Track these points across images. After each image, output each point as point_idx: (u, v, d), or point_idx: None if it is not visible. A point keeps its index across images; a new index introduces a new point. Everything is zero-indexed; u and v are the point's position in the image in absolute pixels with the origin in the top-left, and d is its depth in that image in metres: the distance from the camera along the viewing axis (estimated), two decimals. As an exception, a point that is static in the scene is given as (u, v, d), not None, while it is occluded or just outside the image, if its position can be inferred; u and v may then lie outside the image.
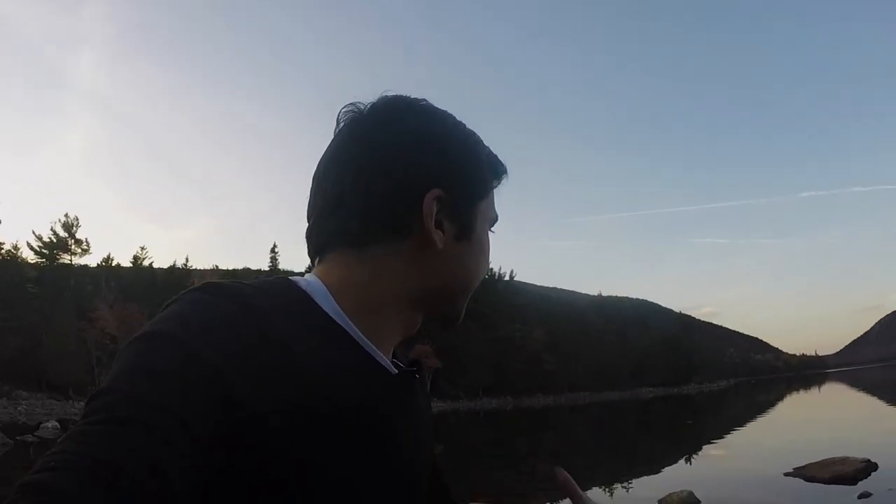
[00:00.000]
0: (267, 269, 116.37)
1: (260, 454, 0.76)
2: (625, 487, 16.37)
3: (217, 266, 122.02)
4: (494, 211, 1.10)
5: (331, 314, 0.93)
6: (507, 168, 1.12)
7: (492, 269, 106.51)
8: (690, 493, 12.33)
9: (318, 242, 1.03)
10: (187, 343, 0.77)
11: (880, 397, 47.80)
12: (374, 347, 0.95)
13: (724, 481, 15.62)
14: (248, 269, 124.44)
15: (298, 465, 0.79)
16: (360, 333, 0.94)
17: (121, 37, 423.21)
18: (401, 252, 0.98)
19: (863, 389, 65.40)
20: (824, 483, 13.58)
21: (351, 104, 1.03)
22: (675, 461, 20.92)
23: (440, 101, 1.06)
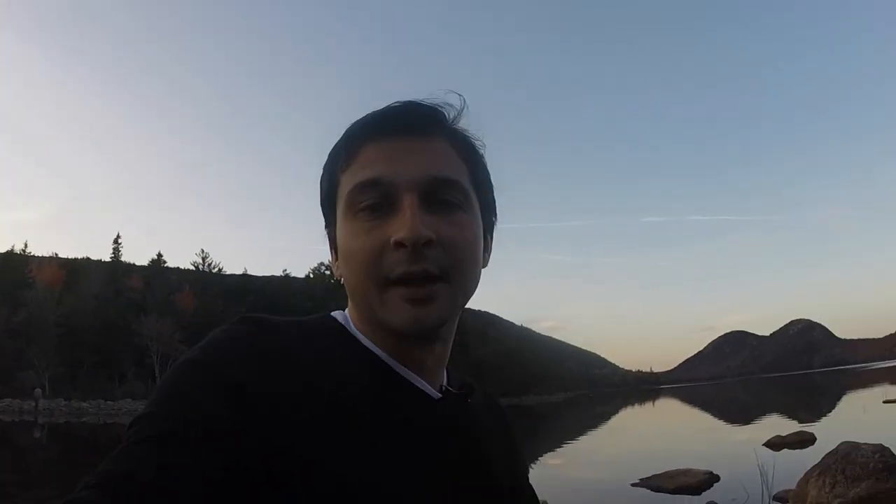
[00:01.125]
0: (108, 260, 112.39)
1: (292, 479, 0.78)
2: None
3: (57, 254, 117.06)
4: (354, 184, 0.96)
5: (363, 342, 0.97)
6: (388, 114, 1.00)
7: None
8: (545, 502, 12.32)
9: None
10: (218, 367, 0.81)
11: (712, 412, 49.79)
12: (408, 370, 0.96)
13: (573, 490, 15.73)
14: (89, 259, 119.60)
15: (329, 487, 0.80)
16: (394, 360, 0.96)
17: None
18: None
19: (695, 404, 68.01)
20: (670, 493, 13.87)
21: None
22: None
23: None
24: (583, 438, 32.95)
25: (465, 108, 1.05)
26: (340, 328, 0.98)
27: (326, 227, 1.04)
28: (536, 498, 1.22)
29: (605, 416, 55.74)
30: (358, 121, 1.01)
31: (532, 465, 21.50)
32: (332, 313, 1.02)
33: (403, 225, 0.90)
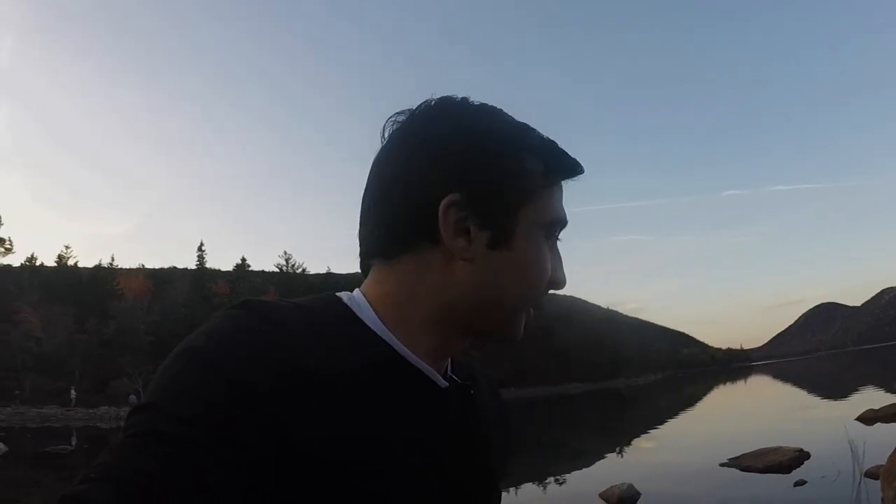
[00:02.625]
0: (194, 268, 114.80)
1: (295, 472, 0.76)
2: (559, 483, 16.45)
3: (143, 265, 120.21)
4: (555, 214, 0.98)
5: (372, 328, 0.92)
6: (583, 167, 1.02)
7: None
8: (630, 486, 12.39)
9: (361, 256, 1.00)
10: (221, 360, 0.77)
11: (804, 388, 48.93)
12: (418, 359, 0.93)
13: (662, 474, 15.77)
14: (175, 269, 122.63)
15: (336, 481, 0.79)
16: (402, 346, 0.92)
17: (43, 22, 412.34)
18: (430, 263, 0.93)
19: (787, 381, 66.85)
20: (760, 472, 13.79)
21: (398, 113, 0.99)
22: (609, 455, 21.06)
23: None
24: (672, 421, 32.72)
25: None
26: (348, 314, 0.93)
27: (482, 200, 0.92)
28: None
29: (694, 398, 55.08)
30: (549, 145, 0.98)
31: (621, 450, 21.53)
32: (338, 294, 0.98)
33: (564, 275, 1.01)
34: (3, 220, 75.73)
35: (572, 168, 1.00)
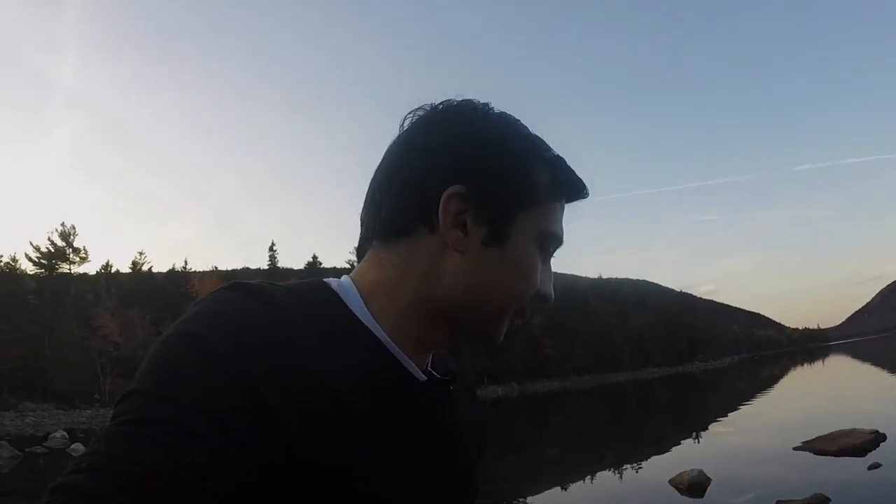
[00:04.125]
0: (266, 268, 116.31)
1: (279, 454, 0.75)
2: (634, 469, 16.43)
3: (216, 267, 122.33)
4: (552, 228, 0.99)
5: (358, 315, 0.92)
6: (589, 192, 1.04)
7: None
8: (700, 472, 12.35)
9: (360, 239, 1.01)
10: (212, 343, 0.76)
11: (884, 367, 47.87)
12: (401, 351, 0.93)
13: (733, 458, 15.68)
14: (248, 270, 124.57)
15: (311, 466, 0.78)
16: (386, 336, 0.92)
17: (103, 36, 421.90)
18: (424, 250, 0.93)
19: (866, 360, 65.55)
20: (833, 456, 13.64)
21: (418, 107, 1.00)
22: (683, 440, 20.92)
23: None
24: (746, 404, 32.29)
25: None
26: (336, 301, 0.93)
27: (484, 197, 0.94)
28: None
29: (770, 380, 54.44)
30: (561, 163, 1.00)
31: (695, 435, 21.41)
32: (327, 280, 0.98)
33: (551, 291, 1.01)
34: (77, 231, 77.22)
35: (577, 188, 1.02)
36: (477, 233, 0.93)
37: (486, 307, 0.96)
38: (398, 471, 0.87)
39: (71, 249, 76.18)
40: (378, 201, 0.96)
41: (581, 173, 0.93)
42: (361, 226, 1.01)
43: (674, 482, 12.46)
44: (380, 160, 1.00)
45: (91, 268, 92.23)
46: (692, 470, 12.45)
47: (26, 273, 74.24)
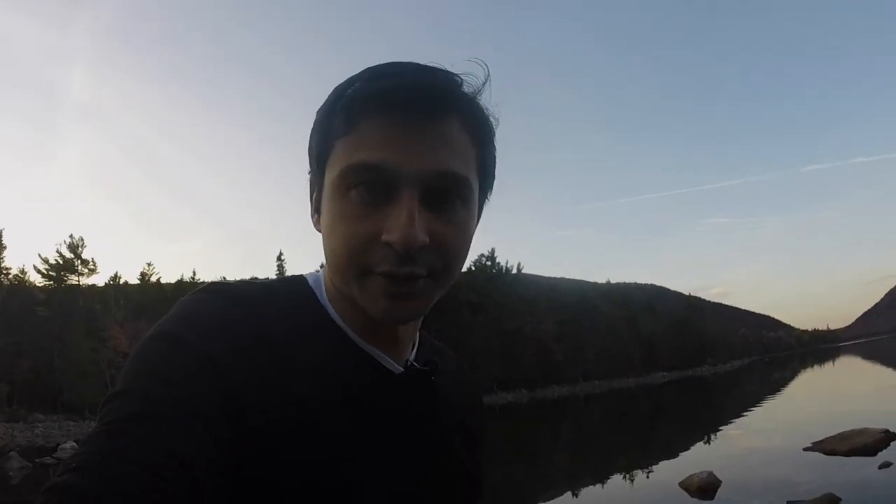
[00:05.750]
0: (274, 277, 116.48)
1: (259, 453, 0.76)
2: (645, 473, 16.35)
3: (224, 278, 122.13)
4: (345, 162, 0.84)
5: (330, 313, 0.92)
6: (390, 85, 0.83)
7: (498, 262, 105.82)
8: (710, 474, 12.30)
9: None
10: (192, 342, 0.77)
11: (894, 367, 47.74)
12: (372, 346, 0.92)
13: (744, 460, 15.57)
14: (256, 280, 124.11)
15: (290, 464, 0.78)
16: (350, 329, 0.92)
17: (113, 50, 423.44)
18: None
19: (876, 361, 65.38)
20: (844, 456, 13.60)
21: None
22: (694, 443, 20.84)
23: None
24: (756, 406, 32.18)
25: (488, 81, 0.89)
26: (310, 297, 0.93)
27: (310, 173, 0.94)
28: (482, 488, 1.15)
29: (781, 382, 54.17)
30: (359, 79, 0.85)
31: (705, 438, 21.32)
32: (305, 275, 0.99)
33: (398, 226, 0.80)
34: (86, 242, 77.40)
35: (379, 95, 0.83)
36: (315, 206, 0.94)
37: (335, 278, 0.91)
38: (377, 474, 0.86)
39: (79, 261, 76.22)
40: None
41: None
42: None
43: (684, 485, 12.40)
44: None
45: (100, 279, 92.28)
46: (702, 472, 12.40)
47: (35, 285, 74.25)
